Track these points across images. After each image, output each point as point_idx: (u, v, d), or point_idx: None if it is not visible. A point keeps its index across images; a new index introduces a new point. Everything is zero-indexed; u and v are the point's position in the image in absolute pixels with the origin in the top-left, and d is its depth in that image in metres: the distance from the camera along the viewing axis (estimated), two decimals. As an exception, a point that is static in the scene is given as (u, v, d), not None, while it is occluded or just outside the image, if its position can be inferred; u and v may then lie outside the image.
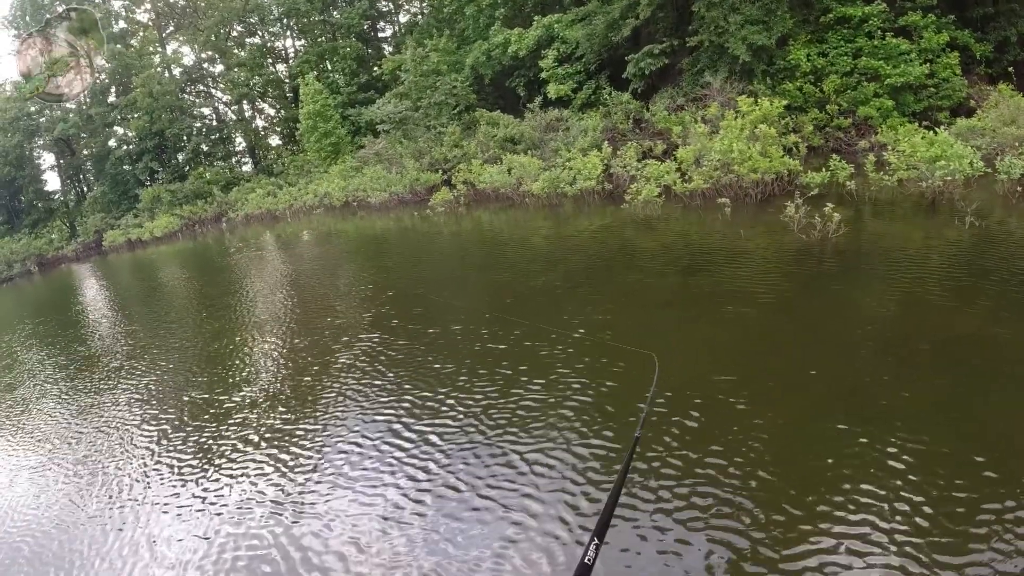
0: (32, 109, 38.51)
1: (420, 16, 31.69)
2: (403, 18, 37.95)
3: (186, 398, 7.00)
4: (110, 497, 5.16)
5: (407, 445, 4.85)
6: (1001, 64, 17.78)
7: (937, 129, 12.06)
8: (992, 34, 17.93)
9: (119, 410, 7.18)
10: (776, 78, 17.28)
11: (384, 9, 37.39)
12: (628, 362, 5.28)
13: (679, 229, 10.40)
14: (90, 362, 9.75)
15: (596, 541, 0.86)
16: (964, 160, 9.66)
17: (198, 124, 40.09)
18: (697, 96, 17.23)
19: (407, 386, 5.93)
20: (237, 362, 7.90)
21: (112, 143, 39.99)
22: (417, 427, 5.08)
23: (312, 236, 19.26)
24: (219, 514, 4.54)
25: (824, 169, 10.70)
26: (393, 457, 4.71)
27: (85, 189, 43.86)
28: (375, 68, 31.92)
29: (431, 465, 4.49)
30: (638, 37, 19.40)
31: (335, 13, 35.98)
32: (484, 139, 20.51)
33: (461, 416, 5.10)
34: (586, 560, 0.85)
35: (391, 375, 6.29)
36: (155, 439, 6.10)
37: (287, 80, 40.27)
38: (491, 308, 7.48)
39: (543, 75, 21.21)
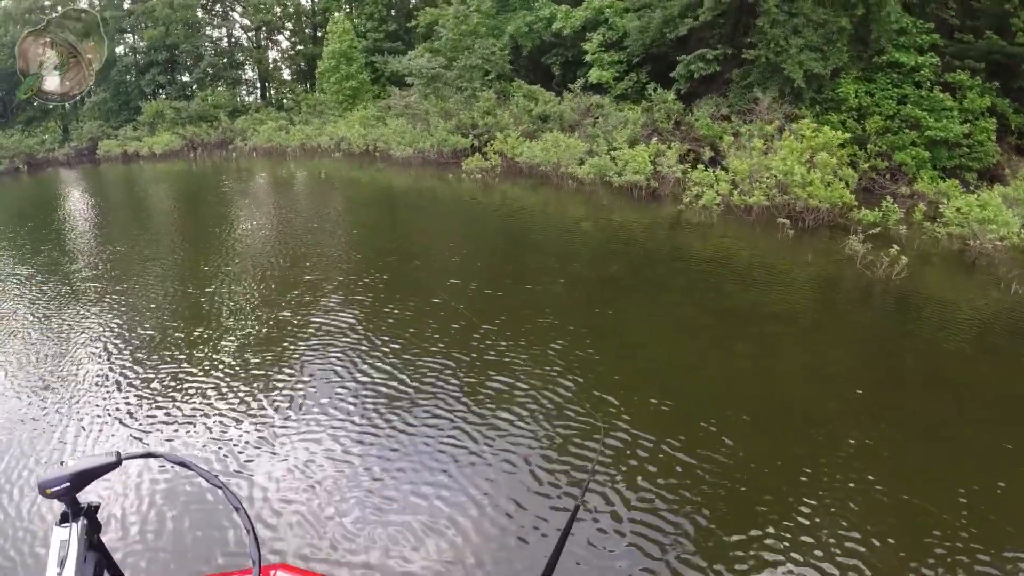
0: (47, 3, 36.53)
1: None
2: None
3: (140, 329, 6.77)
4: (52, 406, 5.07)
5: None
6: (1034, 137, 18.32)
7: (982, 191, 12.39)
8: (1032, 107, 18.39)
9: (74, 330, 6.89)
10: (821, 107, 17.44)
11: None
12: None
13: (740, 242, 10.34)
14: (60, 276, 9.34)
15: None
16: (1013, 227, 9.92)
17: (211, 44, 38.58)
18: (743, 109, 17.27)
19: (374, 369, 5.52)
20: (203, 304, 7.47)
21: (120, 50, 38.30)
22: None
23: (330, 178, 18.85)
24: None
25: (877, 209, 10.86)
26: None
27: (85, 93, 41.94)
28: (411, 18, 31.02)
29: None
30: (687, 39, 19.30)
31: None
32: (517, 111, 20.22)
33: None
34: None
35: (360, 335, 6.16)
36: (104, 362, 5.91)
37: (310, 16, 39.09)
38: (547, 304, 7.29)
39: (587, 58, 20.93)
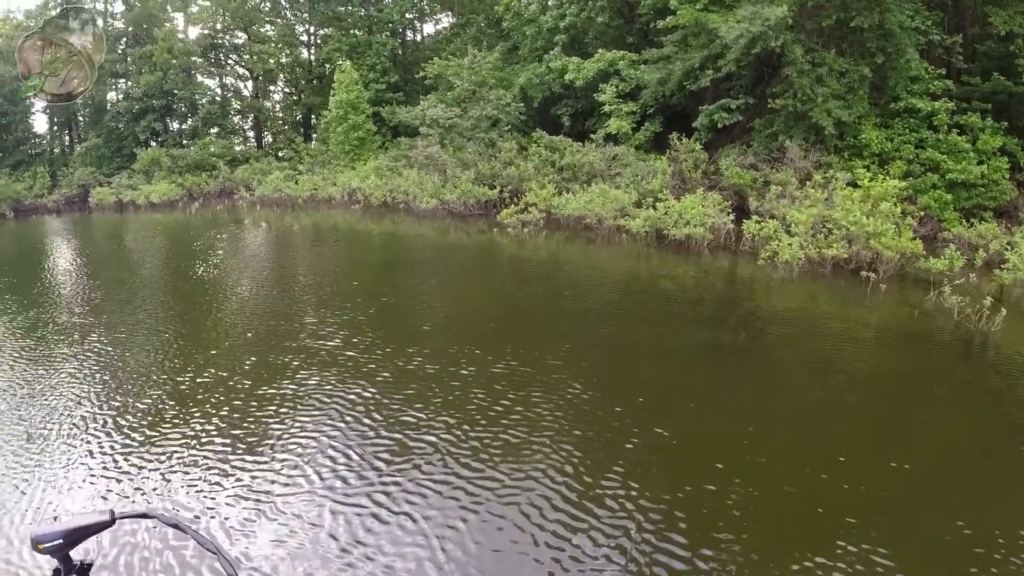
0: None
1: (471, 23, 31.47)
2: (446, 21, 37.80)
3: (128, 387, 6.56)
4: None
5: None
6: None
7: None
8: (1037, 142, 19.07)
9: (62, 387, 6.65)
10: (847, 154, 17.89)
11: (426, 9, 37.14)
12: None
13: (833, 299, 10.22)
14: (47, 329, 9.06)
15: None
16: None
17: (210, 92, 38.54)
18: (768, 158, 17.62)
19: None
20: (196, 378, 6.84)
21: (112, 95, 38.04)
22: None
23: (352, 235, 18.57)
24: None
25: (942, 256, 11.02)
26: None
27: (75, 138, 41.36)
28: (414, 70, 31.42)
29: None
30: (703, 90, 19.78)
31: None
32: (540, 162, 20.37)
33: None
34: None
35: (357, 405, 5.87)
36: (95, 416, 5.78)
37: (308, 67, 39.39)
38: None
39: (605, 108, 21.28)
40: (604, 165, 18.75)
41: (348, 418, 5.56)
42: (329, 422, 5.49)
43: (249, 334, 8.41)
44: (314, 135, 37.95)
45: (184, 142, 37.20)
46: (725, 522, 4.02)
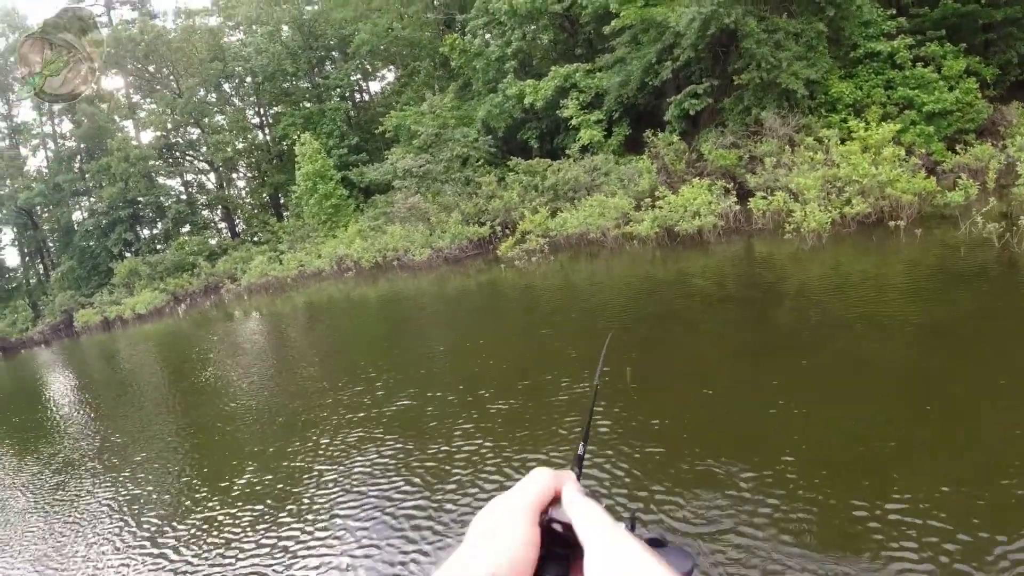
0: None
1: (417, 71, 31.61)
2: (390, 76, 38.00)
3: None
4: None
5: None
6: (1004, 85, 19.09)
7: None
8: (994, 58, 19.23)
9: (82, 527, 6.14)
10: (820, 112, 17.88)
11: (368, 68, 37.37)
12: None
13: (878, 258, 9.70)
14: (56, 467, 8.50)
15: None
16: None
17: (175, 192, 38.31)
18: (747, 133, 17.55)
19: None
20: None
21: (77, 215, 37.76)
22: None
23: (347, 305, 18.01)
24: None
25: (956, 188, 10.85)
26: None
27: (49, 265, 40.86)
28: (372, 128, 31.42)
29: None
30: (664, 83, 19.82)
31: (328, 67, 35.78)
32: (522, 189, 20.19)
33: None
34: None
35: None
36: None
37: (266, 147, 39.39)
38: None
39: (572, 122, 21.24)
40: (588, 178, 18.58)
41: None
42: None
43: (250, 463, 7.02)
44: (286, 212, 37.73)
45: (158, 247, 36.87)
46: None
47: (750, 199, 13.08)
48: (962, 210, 10.30)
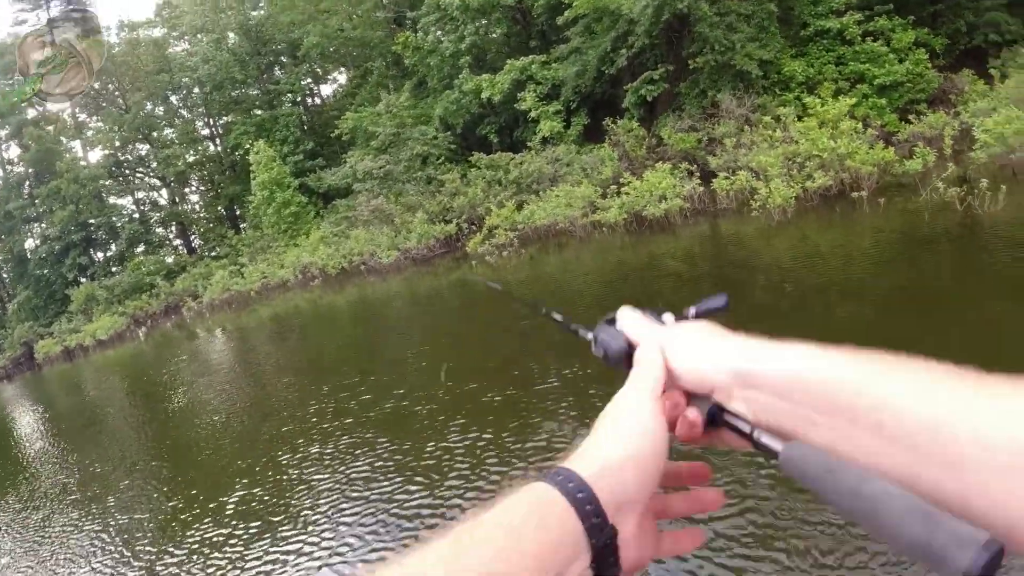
0: None
1: (370, 72, 31.08)
2: (343, 78, 37.34)
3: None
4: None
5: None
6: (953, 54, 19.55)
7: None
8: (943, 28, 19.68)
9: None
10: (773, 91, 18.08)
11: (319, 71, 36.67)
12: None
13: (842, 231, 9.78)
14: (38, 503, 8.11)
15: None
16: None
17: (127, 211, 37.04)
18: (704, 115, 17.65)
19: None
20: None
21: (30, 243, 36.27)
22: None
23: (318, 312, 17.61)
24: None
25: (912, 156, 11.02)
26: None
27: (4, 296, 39.17)
28: (327, 132, 30.76)
29: None
30: (620, 70, 19.83)
31: (278, 72, 34.98)
32: (486, 184, 19.99)
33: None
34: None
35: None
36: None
37: (218, 159, 38.32)
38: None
39: (532, 115, 21.12)
40: (551, 169, 18.47)
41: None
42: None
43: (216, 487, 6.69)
44: (243, 224, 36.79)
45: (114, 269, 35.61)
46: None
47: (713, 180, 13.12)
48: (921, 177, 10.45)
